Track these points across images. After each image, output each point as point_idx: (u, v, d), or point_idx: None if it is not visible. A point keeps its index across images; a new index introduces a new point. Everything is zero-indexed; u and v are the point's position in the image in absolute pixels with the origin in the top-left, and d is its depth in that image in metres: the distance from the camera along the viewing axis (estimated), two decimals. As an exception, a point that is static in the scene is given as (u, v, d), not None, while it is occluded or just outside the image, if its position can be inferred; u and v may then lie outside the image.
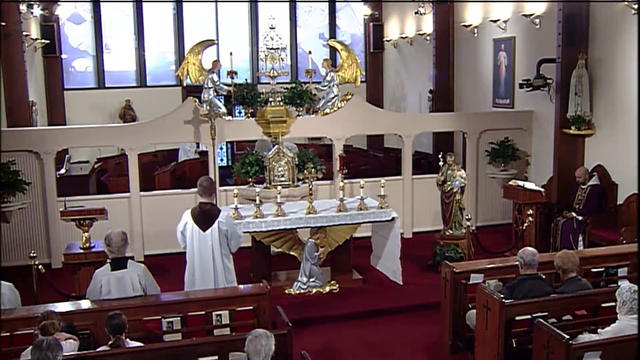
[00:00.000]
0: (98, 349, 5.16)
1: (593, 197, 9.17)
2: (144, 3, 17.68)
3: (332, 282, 8.61)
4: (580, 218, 9.09)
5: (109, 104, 17.16)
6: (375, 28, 17.87)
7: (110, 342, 5.07)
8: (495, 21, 11.97)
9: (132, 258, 7.28)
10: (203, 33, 15.82)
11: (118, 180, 12.05)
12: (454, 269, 6.76)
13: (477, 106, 13.01)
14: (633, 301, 4.96)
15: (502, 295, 5.82)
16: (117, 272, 5.95)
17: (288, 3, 18.65)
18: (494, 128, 11.30)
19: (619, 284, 6.11)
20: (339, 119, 10.61)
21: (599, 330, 5.28)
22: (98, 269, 6.16)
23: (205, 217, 6.55)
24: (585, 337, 5.27)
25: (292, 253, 8.83)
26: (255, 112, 10.29)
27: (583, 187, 9.30)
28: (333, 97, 10.57)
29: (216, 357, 5.19)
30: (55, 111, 16.21)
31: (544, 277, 6.05)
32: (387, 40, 17.76)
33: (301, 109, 10.44)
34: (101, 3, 17.39)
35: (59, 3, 15.62)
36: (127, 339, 5.17)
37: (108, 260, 6.06)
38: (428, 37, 14.79)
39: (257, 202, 8.31)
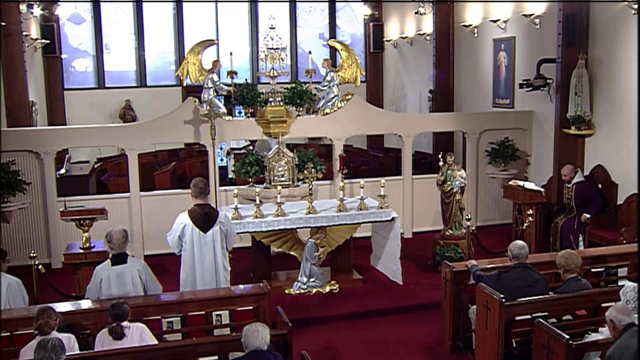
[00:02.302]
0: (99, 332, 5.34)
1: (579, 195, 9.09)
2: (144, 3, 17.70)
3: (332, 282, 8.61)
4: (588, 216, 9.03)
5: (109, 104, 17.19)
6: (375, 28, 17.88)
7: (109, 326, 5.28)
8: (495, 21, 11.97)
9: (132, 258, 7.27)
10: (203, 33, 15.83)
11: (118, 180, 12.04)
12: (454, 269, 6.76)
13: (477, 106, 13.01)
14: (636, 301, 4.98)
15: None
16: (117, 267, 5.99)
17: (288, 3, 18.67)
18: (494, 128, 11.30)
19: (620, 283, 6.12)
20: (339, 119, 10.61)
21: (600, 329, 5.29)
22: (97, 266, 6.19)
23: (206, 219, 6.54)
24: (592, 338, 5.27)
25: (292, 253, 8.83)
26: (255, 112, 10.29)
27: (568, 185, 9.28)
28: (333, 97, 10.57)
29: (216, 357, 5.20)
30: (55, 111, 16.23)
31: (530, 266, 6.15)
32: (387, 40, 17.77)
33: (301, 109, 10.43)
34: (101, 3, 17.42)
35: (59, 3, 15.63)
36: (128, 322, 5.33)
37: (109, 257, 6.11)
38: (428, 37, 14.79)
39: (257, 202, 8.31)
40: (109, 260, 6.06)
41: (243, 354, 4.60)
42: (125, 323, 5.31)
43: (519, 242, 6.29)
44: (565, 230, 9.19)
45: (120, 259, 6.02)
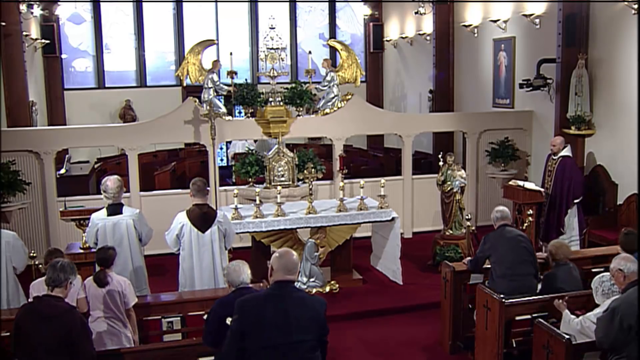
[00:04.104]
0: (85, 280, 5.52)
1: (562, 167, 9.06)
2: (144, 3, 17.70)
3: (332, 282, 8.61)
4: (576, 201, 9.02)
5: (109, 104, 17.19)
6: (375, 28, 17.88)
7: (95, 272, 5.50)
8: (495, 21, 11.97)
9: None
10: (203, 33, 15.83)
11: (118, 180, 12.02)
12: (454, 269, 6.77)
13: (477, 106, 13.01)
14: (603, 284, 5.24)
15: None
16: (113, 217, 6.25)
17: (288, 3, 18.67)
18: (494, 128, 11.29)
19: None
20: (339, 119, 10.61)
21: (582, 315, 5.36)
22: (94, 212, 6.49)
23: (204, 218, 6.54)
24: (572, 317, 5.40)
25: (292, 253, 8.81)
26: (255, 112, 10.29)
27: (554, 157, 9.24)
28: (333, 97, 10.57)
29: (216, 357, 5.19)
30: (55, 111, 16.23)
31: (511, 224, 6.65)
32: (387, 40, 17.77)
33: (301, 109, 10.43)
34: (101, 3, 17.42)
35: (59, 3, 15.63)
36: (113, 273, 5.52)
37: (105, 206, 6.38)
38: (428, 37, 14.79)
39: (257, 202, 8.31)
40: (105, 210, 6.31)
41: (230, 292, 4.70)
42: (111, 274, 5.50)
43: (499, 207, 6.70)
44: (551, 223, 9.18)
45: (115, 209, 6.31)
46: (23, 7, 12.61)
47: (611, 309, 4.61)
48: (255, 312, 3.86)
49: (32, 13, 13.58)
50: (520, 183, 9.63)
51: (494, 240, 6.44)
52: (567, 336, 5.03)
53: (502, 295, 5.84)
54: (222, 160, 16.38)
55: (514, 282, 6.17)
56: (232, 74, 10.28)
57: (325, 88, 10.63)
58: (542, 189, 9.35)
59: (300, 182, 9.76)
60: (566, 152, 9.16)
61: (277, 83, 10.12)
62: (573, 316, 5.36)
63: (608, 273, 5.32)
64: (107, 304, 5.41)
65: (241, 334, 3.83)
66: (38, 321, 4.28)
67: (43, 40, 15.10)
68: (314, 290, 8.40)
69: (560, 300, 5.62)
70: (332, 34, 18.84)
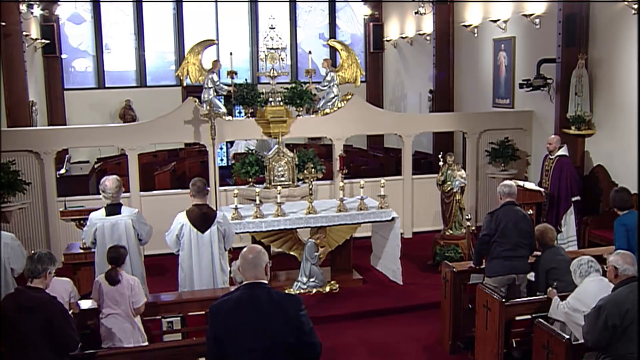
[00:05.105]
0: (96, 279, 5.64)
1: (558, 167, 9.06)
2: (144, 3, 17.71)
3: (332, 282, 8.61)
4: (574, 199, 9.04)
5: (109, 104, 17.19)
6: (375, 28, 17.88)
7: (106, 270, 5.56)
8: (495, 21, 11.97)
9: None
10: (203, 33, 15.84)
11: (118, 180, 12.02)
12: (454, 269, 6.77)
13: (477, 106, 13.01)
14: (580, 266, 5.45)
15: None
16: (112, 217, 6.27)
17: (288, 3, 18.68)
18: (494, 128, 11.29)
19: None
20: (339, 119, 10.61)
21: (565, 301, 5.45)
22: (93, 212, 6.50)
23: (204, 219, 6.54)
24: (560, 302, 5.47)
25: (292, 253, 8.83)
26: (255, 112, 10.29)
27: (551, 157, 9.24)
28: (333, 97, 10.58)
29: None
30: (55, 111, 16.24)
31: (517, 203, 6.72)
32: (387, 40, 17.77)
33: (301, 109, 10.43)
34: (101, 3, 17.43)
35: (59, 3, 15.63)
36: (123, 271, 5.60)
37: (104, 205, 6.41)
38: (428, 37, 14.79)
39: (257, 202, 8.31)
40: (103, 210, 6.33)
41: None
42: (122, 272, 5.58)
43: (507, 181, 6.89)
44: (550, 220, 9.18)
45: (114, 209, 6.31)
46: (23, 7, 12.61)
47: (597, 307, 4.64)
48: (227, 317, 3.76)
49: (32, 13, 13.58)
50: (520, 183, 9.62)
51: (501, 218, 6.48)
52: (567, 336, 5.04)
53: (502, 295, 5.85)
54: (222, 160, 16.38)
55: (510, 262, 6.39)
56: (232, 74, 10.28)
57: (325, 88, 10.63)
58: (542, 189, 9.36)
59: (300, 182, 9.76)
60: (563, 151, 9.16)
61: (277, 83, 10.12)
62: (561, 302, 5.46)
63: (586, 256, 5.54)
64: (118, 301, 5.48)
65: (214, 339, 3.75)
66: (20, 312, 4.39)
67: (43, 40, 15.10)
68: (314, 290, 8.41)
69: (550, 288, 5.76)
70: (332, 34, 18.85)
